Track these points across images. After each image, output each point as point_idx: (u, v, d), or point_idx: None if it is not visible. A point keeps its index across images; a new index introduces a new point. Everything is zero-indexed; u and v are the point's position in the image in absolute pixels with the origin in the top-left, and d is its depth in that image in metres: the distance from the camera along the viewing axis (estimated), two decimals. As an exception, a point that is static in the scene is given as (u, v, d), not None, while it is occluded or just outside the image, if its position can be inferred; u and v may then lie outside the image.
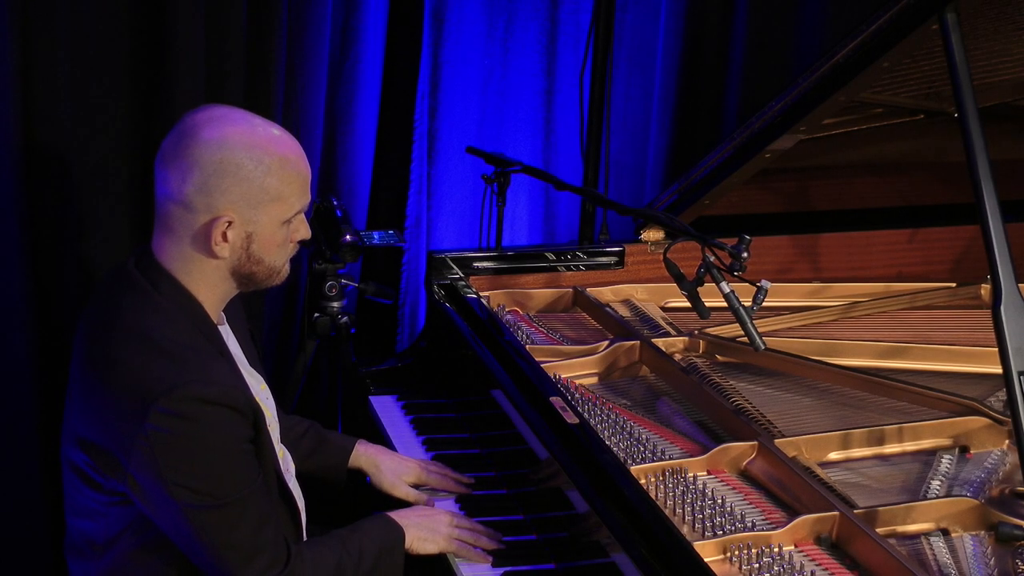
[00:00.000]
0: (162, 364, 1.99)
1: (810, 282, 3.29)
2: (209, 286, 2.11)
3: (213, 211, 2.04)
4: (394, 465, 2.56)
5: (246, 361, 2.25)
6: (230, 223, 2.05)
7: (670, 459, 2.36)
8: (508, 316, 3.04)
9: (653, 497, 2.20)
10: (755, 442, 2.37)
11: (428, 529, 2.31)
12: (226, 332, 2.20)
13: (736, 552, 2.08)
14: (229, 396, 2.00)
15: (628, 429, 2.50)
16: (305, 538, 2.28)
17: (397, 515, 2.33)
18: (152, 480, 1.98)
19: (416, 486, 2.54)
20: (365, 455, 2.56)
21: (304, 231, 2.17)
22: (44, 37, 2.92)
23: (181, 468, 1.97)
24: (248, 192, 2.05)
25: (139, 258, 2.12)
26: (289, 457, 2.35)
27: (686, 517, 2.19)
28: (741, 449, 2.37)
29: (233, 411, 2.01)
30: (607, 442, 2.37)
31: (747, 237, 2.54)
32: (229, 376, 2.06)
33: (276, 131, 2.11)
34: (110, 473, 2.03)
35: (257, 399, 2.10)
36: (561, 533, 2.32)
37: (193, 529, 2.01)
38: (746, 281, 2.54)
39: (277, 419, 2.31)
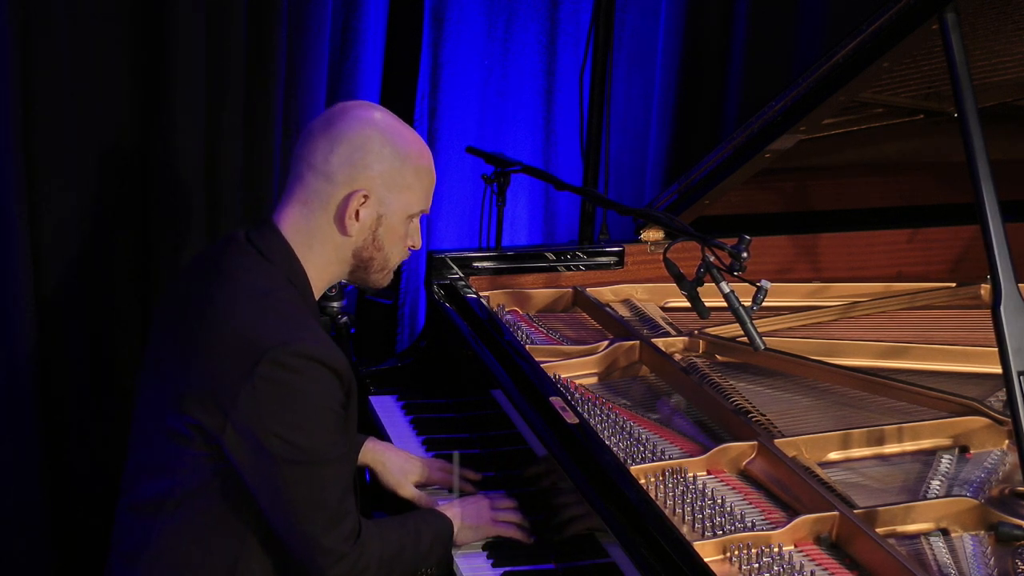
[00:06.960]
0: (275, 320, 2.06)
1: (810, 282, 3.28)
2: (324, 264, 2.18)
3: (353, 184, 2.13)
4: (400, 463, 2.56)
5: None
6: (366, 198, 2.14)
7: (670, 459, 2.36)
8: (508, 316, 3.03)
9: (653, 497, 2.20)
10: (755, 442, 2.37)
11: (472, 518, 2.35)
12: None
13: (736, 552, 2.08)
14: (335, 359, 2.07)
15: (628, 429, 2.50)
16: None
17: (442, 508, 2.37)
18: (252, 429, 2.02)
19: (422, 485, 2.54)
20: (373, 451, 2.57)
21: (418, 238, 2.26)
22: (44, 37, 2.92)
23: (283, 419, 2.02)
24: (387, 173, 2.15)
25: (254, 229, 2.18)
26: None
27: (686, 517, 2.19)
28: (741, 449, 2.37)
29: (335, 374, 2.07)
30: (607, 442, 2.37)
31: (747, 237, 2.54)
32: (333, 343, 2.12)
33: (416, 134, 2.24)
34: (209, 424, 2.04)
35: None
36: (561, 533, 2.32)
37: (283, 484, 2.04)
38: (746, 281, 2.53)
39: None
